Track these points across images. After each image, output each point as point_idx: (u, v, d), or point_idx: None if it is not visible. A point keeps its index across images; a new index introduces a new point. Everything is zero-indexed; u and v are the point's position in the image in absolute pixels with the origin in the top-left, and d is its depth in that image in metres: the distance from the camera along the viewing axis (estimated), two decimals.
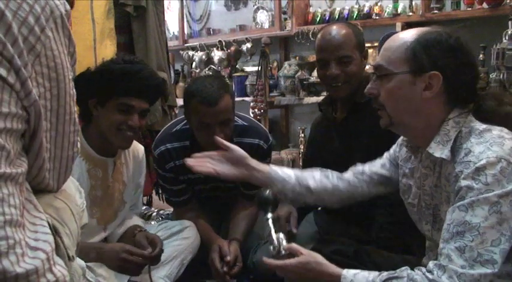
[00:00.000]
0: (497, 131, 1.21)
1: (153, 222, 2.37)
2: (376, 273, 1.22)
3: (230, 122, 1.95)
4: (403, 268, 1.20)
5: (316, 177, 1.58)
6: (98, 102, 1.74)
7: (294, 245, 1.37)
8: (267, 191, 1.51)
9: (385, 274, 1.20)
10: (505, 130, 1.22)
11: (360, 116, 1.92)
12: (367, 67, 2.11)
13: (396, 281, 1.18)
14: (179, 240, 1.97)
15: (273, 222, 1.44)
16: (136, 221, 2.02)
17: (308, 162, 2.10)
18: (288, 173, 1.58)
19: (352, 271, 1.26)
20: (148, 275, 1.79)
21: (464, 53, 1.27)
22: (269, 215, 1.46)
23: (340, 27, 1.94)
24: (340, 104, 2.01)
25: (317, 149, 2.11)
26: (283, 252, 1.35)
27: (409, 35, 1.30)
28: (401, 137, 1.50)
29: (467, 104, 1.29)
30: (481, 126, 1.23)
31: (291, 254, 1.35)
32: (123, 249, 1.73)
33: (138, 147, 2.00)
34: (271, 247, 1.38)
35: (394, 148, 1.54)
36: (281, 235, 1.38)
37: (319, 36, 1.98)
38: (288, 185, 1.55)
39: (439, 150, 1.26)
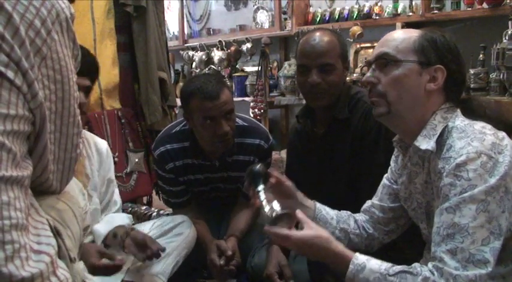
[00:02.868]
0: (479, 126, 1.22)
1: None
2: (389, 264, 1.21)
3: (233, 113, 1.97)
4: (416, 264, 1.19)
5: (353, 225, 1.56)
6: None
7: (300, 214, 1.31)
8: (258, 165, 1.48)
9: (399, 266, 1.19)
10: (488, 126, 1.23)
11: (340, 132, 1.87)
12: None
13: (410, 276, 1.17)
14: (172, 237, 1.96)
15: (265, 193, 1.41)
16: (121, 218, 1.96)
17: (291, 175, 2.06)
18: (331, 215, 1.56)
19: (364, 255, 1.24)
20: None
21: (460, 55, 1.32)
22: (260, 187, 1.43)
23: (325, 34, 1.86)
24: (319, 118, 1.95)
25: (297, 160, 2.06)
26: (274, 214, 1.30)
27: (413, 31, 1.34)
28: (395, 151, 1.49)
29: (456, 102, 1.32)
30: (464, 121, 1.25)
31: (289, 222, 1.30)
32: (97, 250, 1.69)
33: (100, 141, 1.98)
34: (266, 217, 1.34)
35: (390, 167, 1.53)
36: (274, 202, 1.34)
37: (302, 41, 1.89)
38: (329, 228, 1.53)
39: (425, 143, 1.27)
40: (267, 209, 1.34)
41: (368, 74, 1.34)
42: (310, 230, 1.28)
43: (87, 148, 1.90)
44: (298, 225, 1.33)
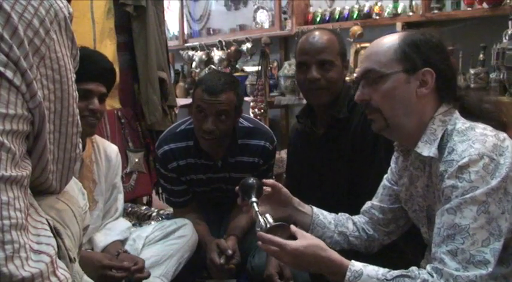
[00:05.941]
0: (480, 129, 1.22)
1: (152, 222, 2.36)
2: (386, 269, 1.20)
3: (227, 116, 1.93)
4: (414, 268, 1.19)
5: (351, 228, 1.55)
6: None
7: (294, 227, 1.30)
8: (251, 179, 1.47)
9: (396, 271, 1.19)
10: (489, 128, 1.22)
11: (340, 132, 1.87)
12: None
13: (408, 279, 1.16)
14: (175, 239, 1.96)
15: (258, 205, 1.41)
16: (119, 231, 1.93)
17: (291, 175, 2.09)
18: (328, 219, 1.55)
19: (361, 262, 1.23)
20: None
21: (446, 50, 1.30)
22: (253, 199, 1.42)
23: (324, 33, 1.89)
24: (319, 118, 1.95)
25: (298, 160, 2.06)
26: (268, 226, 1.29)
27: (393, 38, 1.31)
28: (395, 152, 1.49)
29: (452, 101, 1.31)
30: (465, 124, 1.24)
31: (283, 234, 1.28)
32: (101, 264, 1.67)
33: (110, 148, 1.97)
34: (259, 229, 1.32)
35: (390, 168, 1.53)
36: (267, 215, 1.34)
37: (301, 40, 1.91)
38: (328, 232, 1.53)
39: (426, 149, 1.26)
40: (261, 220, 1.34)
41: (358, 91, 1.34)
42: (305, 239, 1.26)
43: (97, 153, 1.90)
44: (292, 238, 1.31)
